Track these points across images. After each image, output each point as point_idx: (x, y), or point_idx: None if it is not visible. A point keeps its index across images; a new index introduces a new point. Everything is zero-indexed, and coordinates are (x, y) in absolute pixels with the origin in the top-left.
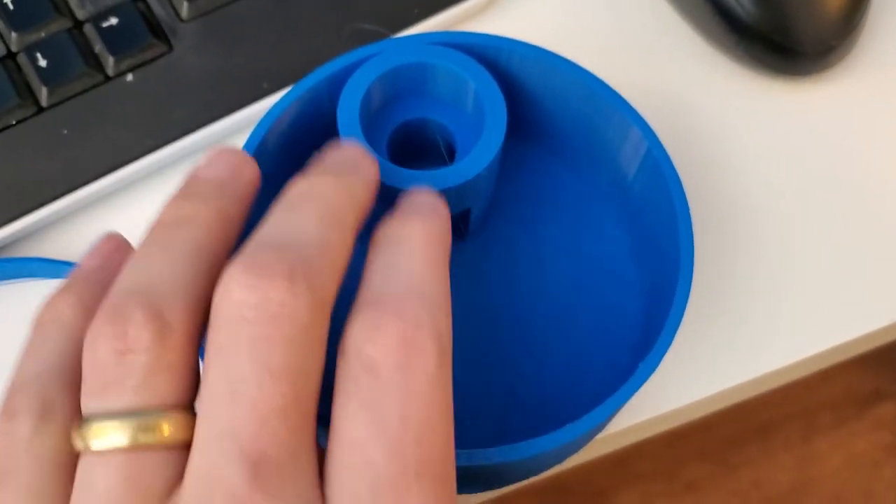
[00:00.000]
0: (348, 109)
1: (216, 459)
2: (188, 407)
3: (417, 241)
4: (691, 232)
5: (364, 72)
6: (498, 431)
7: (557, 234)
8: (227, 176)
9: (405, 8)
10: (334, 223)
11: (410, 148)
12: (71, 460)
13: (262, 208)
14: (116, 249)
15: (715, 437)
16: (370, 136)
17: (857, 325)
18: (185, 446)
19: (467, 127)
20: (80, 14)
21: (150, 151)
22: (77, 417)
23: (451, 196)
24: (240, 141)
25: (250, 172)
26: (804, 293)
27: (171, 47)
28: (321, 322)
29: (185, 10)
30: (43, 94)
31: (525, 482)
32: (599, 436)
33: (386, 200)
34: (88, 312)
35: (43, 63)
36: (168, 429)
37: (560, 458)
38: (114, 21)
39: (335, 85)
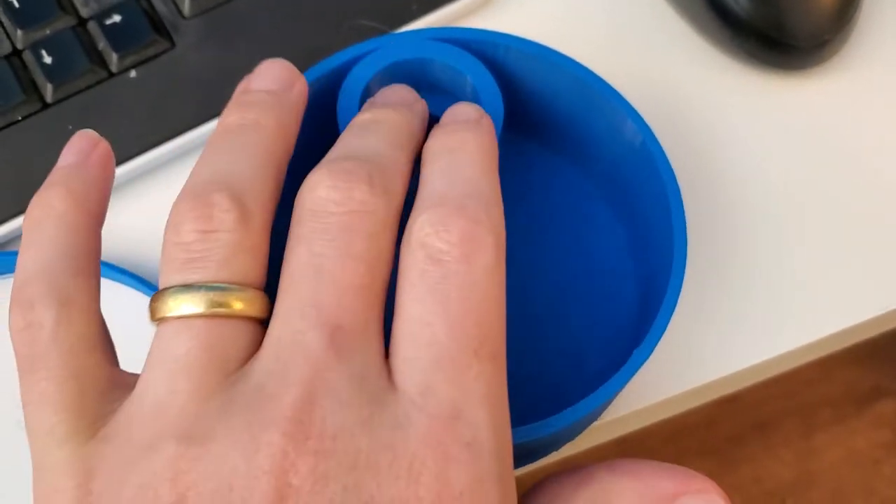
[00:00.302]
0: (348, 104)
1: (297, 324)
2: (263, 289)
3: (470, 148)
4: (684, 222)
5: (363, 67)
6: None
7: (554, 227)
8: (279, 88)
9: (404, 4)
10: (399, 145)
11: None
12: (100, 342)
13: None
14: (93, 145)
15: (715, 434)
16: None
17: (850, 314)
18: (260, 322)
19: None
20: (84, 12)
21: (154, 146)
22: (95, 301)
23: None
24: None
25: (300, 85)
26: (798, 284)
27: (173, 44)
28: (394, 222)
29: (187, 7)
30: (48, 91)
31: (526, 479)
32: (598, 423)
33: None
34: (79, 202)
35: (48, 60)
36: (246, 302)
37: (557, 445)
38: (117, 18)
39: (335, 80)
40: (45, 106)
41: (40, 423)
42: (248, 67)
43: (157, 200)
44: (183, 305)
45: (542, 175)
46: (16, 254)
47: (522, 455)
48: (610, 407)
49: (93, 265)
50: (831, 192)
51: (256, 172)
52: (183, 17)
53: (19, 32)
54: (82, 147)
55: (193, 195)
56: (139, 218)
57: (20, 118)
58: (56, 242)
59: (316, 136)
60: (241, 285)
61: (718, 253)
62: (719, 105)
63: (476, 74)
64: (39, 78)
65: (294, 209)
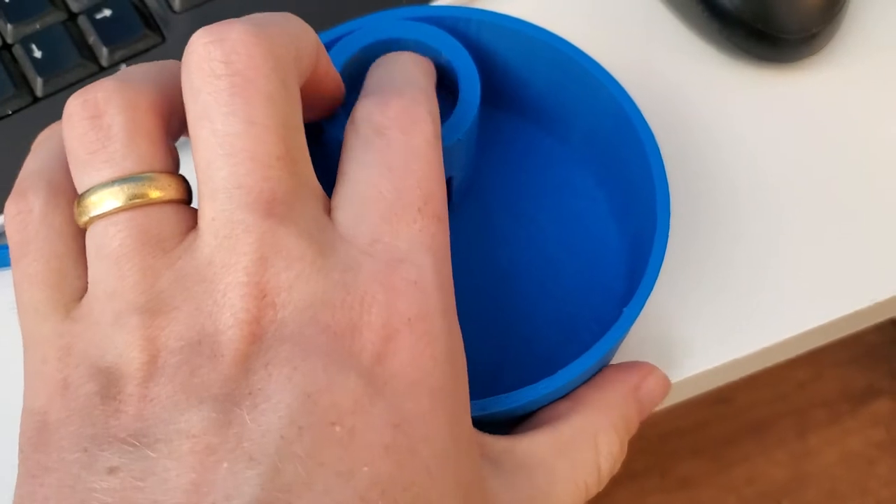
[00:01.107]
0: None
1: (228, 207)
2: (176, 174)
3: (407, 60)
4: (667, 184)
5: (338, 49)
6: (489, 387)
7: (538, 197)
8: None
9: (394, 4)
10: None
11: None
12: (81, 233)
13: None
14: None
15: (709, 434)
16: (348, 112)
17: (839, 306)
18: (183, 202)
19: (442, 99)
20: (75, 6)
21: None
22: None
23: None
24: None
25: None
26: (786, 275)
27: (163, 38)
28: (293, 83)
29: (177, 1)
30: (38, 85)
31: None
32: None
33: None
34: None
35: (38, 54)
36: (162, 189)
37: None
38: (107, 13)
39: None
40: (36, 100)
41: (28, 300)
42: None
43: None
44: (102, 204)
45: (521, 146)
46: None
47: (519, 422)
48: None
49: None
50: (819, 184)
51: (150, 73)
52: (173, 11)
53: (9, 27)
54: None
55: (83, 90)
56: None
57: (10, 112)
58: (55, 151)
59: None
60: (152, 171)
61: (706, 244)
62: (708, 97)
63: (451, 51)
64: (30, 72)
65: (181, 72)
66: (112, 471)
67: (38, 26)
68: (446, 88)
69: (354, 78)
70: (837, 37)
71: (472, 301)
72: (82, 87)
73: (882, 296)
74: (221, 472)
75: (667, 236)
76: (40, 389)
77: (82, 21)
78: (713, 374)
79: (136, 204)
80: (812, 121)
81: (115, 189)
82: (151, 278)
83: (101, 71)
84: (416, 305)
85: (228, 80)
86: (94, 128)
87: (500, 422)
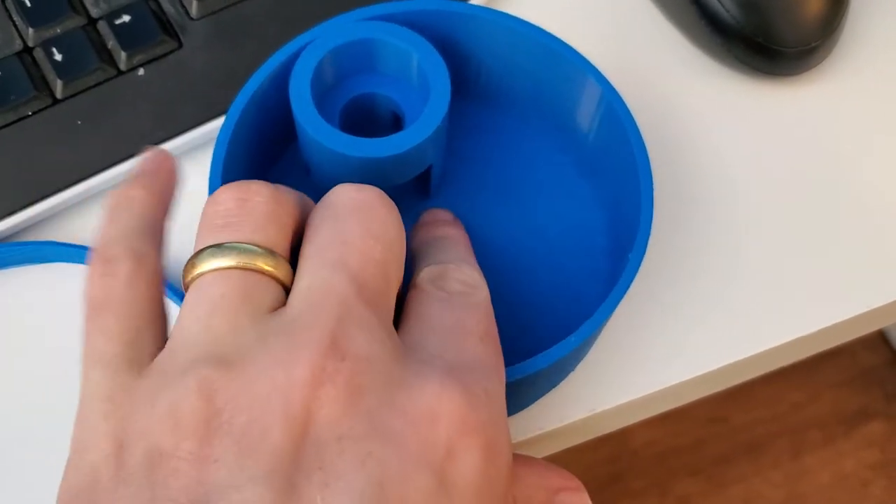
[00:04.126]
0: (298, 90)
1: (327, 276)
2: (289, 263)
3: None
4: (650, 174)
5: (307, 55)
6: None
7: (519, 188)
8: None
9: None
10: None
11: (362, 122)
12: (160, 300)
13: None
14: (165, 158)
15: (705, 455)
16: (323, 112)
17: (828, 314)
18: (286, 288)
19: (414, 97)
20: (95, 12)
21: (160, 143)
22: (161, 264)
23: (402, 161)
24: None
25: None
26: (783, 284)
27: (180, 44)
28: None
29: (194, 8)
30: (58, 87)
31: None
32: (589, 415)
33: (342, 167)
34: (158, 197)
35: (58, 57)
36: (274, 266)
37: (541, 387)
38: (126, 18)
39: (286, 72)
40: (55, 102)
41: (100, 353)
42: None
43: None
44: (216, 261)
45: (500, 138)
46: (27, 245)
47: (517, 396)
48: (595, 403)
49: (161, 235)
50: (818, 195)
51: (286, 192)
52: (191, 18)
53: (31, 31)
54: (155, 158)
55: (236, 184)
56: None
57: (30, 113)
58: (135, 219)
59: (275, 124)
60: (270, 251)
61: (703, 255)
62: (709, 109)
63: (419, 48)
64: (50, 74)
65: (321, 201)
66: None
67: (58, 31)
68: (418, 87)
69: (329, 78)
70: (836, 51)
71: None
72: (101, 90)
73: (872, 305)
74: None
75: (650, 225)
76: (93, 444)
77: (102, 26)
78: (703, 381)
79: (249, 268)
80: (810, 133)
81: (233, 251)
82: (237, 333)
83: (120, 74)
84: (487, 412)
85: (356, 202)
86: (238, 206)
87: None
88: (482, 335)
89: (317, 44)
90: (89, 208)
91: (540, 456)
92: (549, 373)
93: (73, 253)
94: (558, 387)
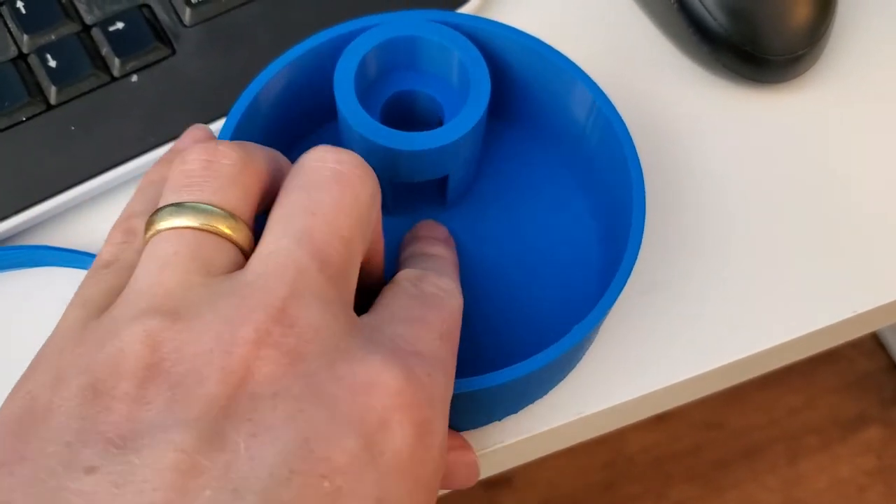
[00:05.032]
0: (344, 77)
1: (290, 246)
2: (251, 229)
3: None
4: (643, 185)
5: (359, 42)
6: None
7: (512, 197)
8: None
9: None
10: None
11: (403, 117)
12: None
13: None
14: (207, 137)
15: (702, 460)
16: (365, 104)
17: (816, 318)
18: (244, 253)
19: (454, 98)
20: (89, 18)
21: (153, 148)
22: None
23: (431, 158)
24: None
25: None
26: (770, 289)
27: (174, 51)
28: (377, 212)
29: (187, 15)
30: (52, 93)
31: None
32: (582, 416)
33: (379, 158)
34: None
35: (52, 63)
36: (233, 229)
37: (540, 390)
38: (120, 25)
39: (333, 49)
40: (49, 107)
41: (80, 294)
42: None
43: None
44: (174, 219)
45: (501, 148)
46: (21, 249)
47: (498, 402)
48: (589, 403)
49: None
50: (804, 202)
51: (258, 156)
52: (184, 25)
53: (25, 37)
54: (195, 137)
55: (204, 145)
56: None
57: (24, 119)
58: (158, 196)
59: (312, 100)
60: (231, 214)
61: (692, 260)
62: (697, 117)
63: (464, 51)
64: (44, 81)
65: (296, 162)
66: (90, 471)
67: (53, 37)
68: (458, 89)
69: (373, 71)
70: (822, 58)
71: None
72: (94, 96)
73: (859, 310)
74: (202, 499)
75: (641, 233)
76: (37, 374)
77: (96, 33)
78: (699, 381)
79: (205, 229)
80: (797, 140)
81: (192, 211)
82: (188, 288)
83: (113, 81)
84: (425, 394)
85: (333, 172)
86: (204, 167)
87: (479, 399)
88: (442, 333)
89: (369, 34)
90: (83, 213)
91: (532, 458)
92: (541, 376)
93: (67, 257)
94: (552, 391)
